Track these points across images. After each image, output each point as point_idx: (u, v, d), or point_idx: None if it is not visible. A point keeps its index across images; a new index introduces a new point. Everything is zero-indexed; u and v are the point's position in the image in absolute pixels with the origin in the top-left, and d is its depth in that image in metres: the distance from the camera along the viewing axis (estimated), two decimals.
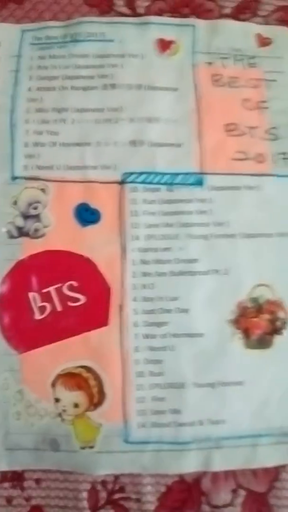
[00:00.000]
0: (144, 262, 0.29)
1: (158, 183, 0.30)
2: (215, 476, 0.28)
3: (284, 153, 0.31)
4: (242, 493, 0.28)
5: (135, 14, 0.34)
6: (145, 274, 0.29)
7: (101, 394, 0.28)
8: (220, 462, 0.28)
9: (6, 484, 0.28)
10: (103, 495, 0.28)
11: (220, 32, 0.33)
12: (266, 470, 0.28)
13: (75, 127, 0.31)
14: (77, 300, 0.29)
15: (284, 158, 0.31)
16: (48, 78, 0.31)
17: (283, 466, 0.28)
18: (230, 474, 0.28)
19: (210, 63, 0.32)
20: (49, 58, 0.32)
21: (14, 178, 0.30)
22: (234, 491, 0.28)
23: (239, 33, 0.33)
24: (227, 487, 0.28)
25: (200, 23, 0.33)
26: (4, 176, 0.30)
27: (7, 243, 0.29)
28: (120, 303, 0.29)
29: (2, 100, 0.31)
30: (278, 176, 0.31)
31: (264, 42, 0.33)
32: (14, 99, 0.31)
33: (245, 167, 0.31)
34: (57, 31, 0.32)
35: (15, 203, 0.30)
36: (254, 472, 0.28)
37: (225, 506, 0.28)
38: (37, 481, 0.28)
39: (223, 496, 0.28)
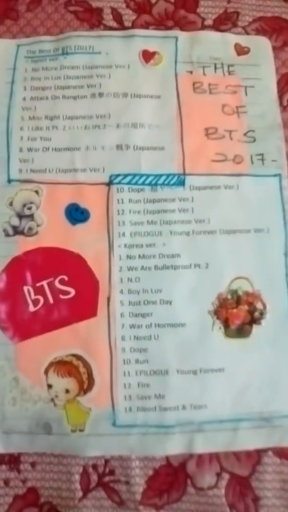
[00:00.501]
0: (130, 257, 0.30)
1: (142, 184, 0.31)
2: (200, 460, 0.29)
3: (260, 155, 0.32)
4: (226, 476, 0.29)
5: (123, 28, 0.35)
6: (131, 269, 0.30)
7: (91, 381, 0.29)
8: (203, 445, 0.29)
9: (4, 467, 0.29)
10: (94, 478, 0.29)
11: (201, 42, 0.34)
12: (248, 455, 0.29)
13: (66, 133, 0.32)
14: (67, 293, 0.30)
15: (260, 159, 0.32)
16: (41, 88, 0.33)
17: (265, 451, 0.29)
18: (215, 458, 0.29)
19: (191, 72, 0.33)
20: (42, 70, 0.33)
21: (10, 181, 0.31)
22: (218, 474, 0.29)
23: (219, 43, 0.34)
24: (211, 471, 0.29)
25: (182, 35, 0.34)
26: (1, 179, 0.31)
27: (3, 241, 0.30)
28: (108, 295, 0.30)
29: None
30: (255, 176, 0.32)
31: (242, 51, 0.34)
32: (10, 108, 0.32)
33: (224, 168, 0.32)
34: (49, 45, 0.34)
35: (11, 204, 0.31)
36: (237, 456, 0.29)
37: (210, 488, 0.29)
38: (33, 464, 0.29)
39: (208, 479, 0.29)
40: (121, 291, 0.30)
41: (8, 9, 0.35)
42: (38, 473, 0.29)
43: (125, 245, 0.31)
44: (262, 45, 0.35)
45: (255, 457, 0.29)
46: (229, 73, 0.34)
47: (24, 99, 0.33)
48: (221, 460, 0.29)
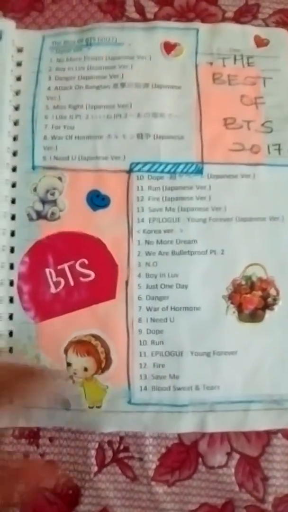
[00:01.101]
0: (148, 242, 0.31)
1: (162, 171, 0.32)
2: (211, 439, 0.30)
3: (277, 145, 0.32)
4: (236, 456, 0.30)
5: (145, 19, 0.35)
6: (149, 253, 0.31)
7: (108, 360, 0.30)
8: (214, 424, 0.29)
9: (23, 441, 0.30)
10: (109, 453, 0.30)
11: (221, 34, 0.34)
12: (258, 436, 0.30)
13: (89, 122, 0.32)
14: (88, 276, 0.31)
15: (277, 149, 0.32)
16: (65, 78, 0.33)
17: (274, 433, 0.30)
18: (225, 438, 0.30)
19: (211, 63, 0.34)
20: (66, 60, 0.33)
21: (34, 167, 0.32)
22: (229, 454, 0.30)
23: (238, 35, 0.34)
24: (222, 450, 0.30)
25: (203, 27, 0.34)
26: (25, 165, 0.32)
27: (27, 225, 0.31)
28: (126, 279, 0.31)
29: (25, 98, 0.33)
30: (271, 165, 0.32)
31: (261, 43, 0.34)
32: (35, 97, 0.33)
33: (242, 157, 0.32)
34: (73, 36, 0.34)
35: (35, 189, 0.31)
36: (247, 437, 0.30)
37: (220, 467, 0.30)
38: (51, 439, 0.30)
39: (218, 458, 0.30)
40: (139, 275, 0.31)
41: (34, 1, 0.36)
42: (56, 447, 0.30)
43: (143, 231, 0.31)
44: (281, 37, 0.35)
45: (265, 438, 0.30)
46: (249, 64, 0.34)
47: (49, 88, 0.33)
48: (231, 440, 0.30)
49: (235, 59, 0.34)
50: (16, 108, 0.33)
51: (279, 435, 0.30)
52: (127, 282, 0.31)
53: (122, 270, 0.31)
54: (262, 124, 0.33)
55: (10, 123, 0.33)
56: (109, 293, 0.31)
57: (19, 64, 0.34)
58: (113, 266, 0.31)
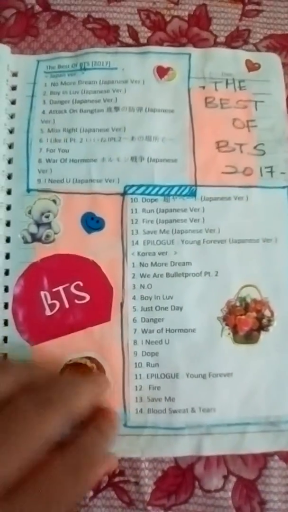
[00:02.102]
0: (142, 264, 0.31)
1: (155, 194, 0.32)
2: (208, 462, 0.30)
3: (270, 167, 0.33)
4: (233, 479, 0.30)
5: (138, 44, 0.36)
6: (143, 276, 0.31)
7: None
8: (210, 447, 0.29)
9: None
10: (105, 478, 0.30)
11: (213, 59, 0.35)
12: (255, 458, 0.30)
13: (83, 145, 0.33)
14: (83, 298, 0.31)
15: (269, 172, 0.33)
16: (59, 102, 0.33)
17: (271, 455, 0.30)
18: (222, 461, 0.30)
19: (203, 87, 0.34)
20: (61, 84, 0.34)
21: (29, 190, 0.32)
22: (225, 477, 0.30)
23: (230, 60, 0.35)
24: (218, 473, 0.30)
25: (195, 51, 0.35)
26: (20, 188, 0.32)
27: (22, 247, 0.31)
28: (121, 301, 0.31)
29: (19, 122, 0.33)
30: (264, 187, 0.32)
31: (253, 67, 0.35)
32: (30, 121, 0.33)
33: (234, 180, 0.32)
34: (67, 61, 0.34)
35: (29, 212, 0.32)
36: (244, 460, 0.30)
37: (217, 490, 0.29)
38: None
39: (215, 481, 0.30)
40: (134, 297, 0.31)
41: (29, 26, 0.36)
42: None
43: (138, 253, 0.31)
44: (272, 62, 0.35)
45: (262, 461, 0.30)
46: (240, 88, 0.34)
47: (44, 112, 0.33)
48: (228, 463, 0.30)
49: (227, 83, 0.34)
50: (11, 131, 0.33)
51: (276, 457, 0.30)
52: (122, 304, 0.31)
53: (117, 292, 0.31)
54: (255, 147, 0.33)
55: (5, 146, 0.33)
56: (104, 316, 0.30)
57: (14, 88, 0.34)
58: (108, 289, 0.31)
